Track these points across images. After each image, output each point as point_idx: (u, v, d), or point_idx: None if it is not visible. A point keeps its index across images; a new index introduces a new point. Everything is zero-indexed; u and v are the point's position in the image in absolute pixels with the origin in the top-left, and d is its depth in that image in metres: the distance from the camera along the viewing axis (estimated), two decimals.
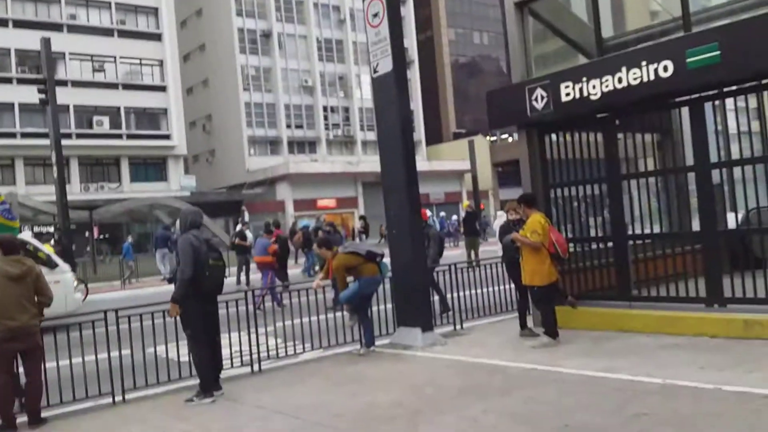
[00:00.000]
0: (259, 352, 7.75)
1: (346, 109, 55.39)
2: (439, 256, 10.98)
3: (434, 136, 62.38)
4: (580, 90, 8.23)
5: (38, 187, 37.67)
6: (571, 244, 8.64)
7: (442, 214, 42.18)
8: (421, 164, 50.06)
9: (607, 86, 7.96)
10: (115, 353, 6.96)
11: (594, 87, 8.09)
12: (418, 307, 8.38)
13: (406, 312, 8.47)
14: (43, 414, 6.23)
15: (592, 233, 9.20)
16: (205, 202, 37.18)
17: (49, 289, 6.28)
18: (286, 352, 8.22)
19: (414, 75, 58.48)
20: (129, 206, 36.77)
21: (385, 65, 8.80)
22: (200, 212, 7.08)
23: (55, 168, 21.17)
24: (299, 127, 52.92)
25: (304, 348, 8.29)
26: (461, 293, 9.55)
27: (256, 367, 7.68)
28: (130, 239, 25.45)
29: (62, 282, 13.02)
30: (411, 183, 8.69)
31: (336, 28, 54.82)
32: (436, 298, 10.05)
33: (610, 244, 8.72)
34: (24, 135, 38.65)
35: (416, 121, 58.46)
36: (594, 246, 9.00)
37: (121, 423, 6.13)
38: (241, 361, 7.73)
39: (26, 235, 14.03)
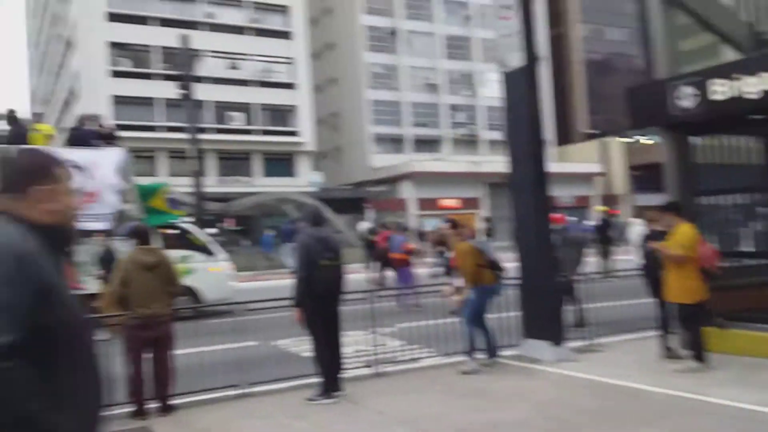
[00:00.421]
0: (378, 354, 7.63)
1: (471, 108, 54.74)
2: (579, 264, 10.35)
3: (564, 137, 60.23)
4: (735, 88, 7.41)
5: (178, 179, 39.97)
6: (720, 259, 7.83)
7: (572, 218, 40.50)
8: (550, 166, 48.62)
9: (766, 85, 7.10)
10: (242, 344, 7.05)
11: (751, 85, 7.24)
12: (547, 319, 7.91)
13: (535, 323, 8.01)
14: (172, 402, 6.39)
15: (744, 247, 8.31)
16: (330, 198, 37.99)
17: (179, 279, 6.45)
18: (407, 356, 8.05)
19: (544, 73, 56.86)
20: (259, 200, 38.22)
21: (516, 60, 8.40)
22: (321, 210, 7.03)
23: (194, 161, 22.29)
24: (423, 125, 52.93)
25: (428, 353, 8.07)
26: (595, 305, 8.96)
27: (378, 369, 7.55)
28: (269, 231, 26.00)
29: (221, 269, 13.77)
30: (539, 184, 8.23)
31: (462, 25, 54.29)
32: (571, 308, 9.48)
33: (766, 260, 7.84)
34: (167, 128, 41.17)
35: (545, 121, 56.75)
36: (746, 262, 8.13)
37: (243, 416, 6.18)
38: (363, 362, 7.65)
39: (186, 223, 14.51)
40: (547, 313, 7.89)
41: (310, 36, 49.98)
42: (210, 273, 13.49)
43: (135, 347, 6.09)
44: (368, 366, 7.58)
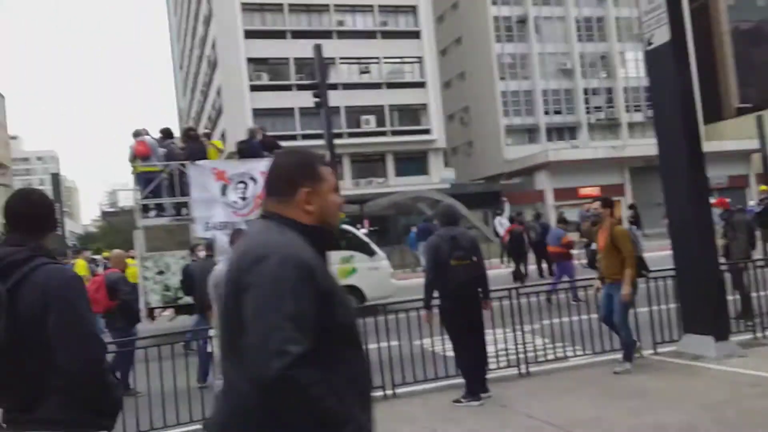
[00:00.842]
0: (525, 353, 7.36)
1: (609, 91, 52.25)
2: (752, 249, 9.50)
3: (713, 113, 55.84)
4: None
5: None
6: None
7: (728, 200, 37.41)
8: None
9: None
10: (386, 344, 7.04)
11: None
12: (710, 311, 7.27)
13: (695, 317, 7.39)
14: None
15: None
16: (463, 194, 37.69)
17: None
18: (555, 354, 7.71)
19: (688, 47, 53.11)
20: (394, 199, 38.67)
21: (662, 35, 7.79)
22: (453, 207, 6.90)
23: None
24: (558, 113, 51.22)
25: (575, 351, 7.70)
26: (761, 293, 8.15)
27: (524, 368, 7.30)
28: (414, 229, 26.07)
29: (380, 269, 14.17)
30: (695, 167, 7.59)
31: (597, 5, 51.96)
32: (737, 297, 8.69)
33: None
34: (304, 137, 42.74)
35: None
36: None
37: (392, 419, 6.13)
38: (508, 361, 7.41)
39: (347, 225, 15.20)
40: (710, 305, 7.25)
41: (437, 33, 49.94)
42: (372, 272, 13.98)
43: None
44: (513, 366, 7.34)
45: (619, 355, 7.39)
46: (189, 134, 14.04)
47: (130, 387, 7.81)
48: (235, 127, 42.59)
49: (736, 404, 5.51)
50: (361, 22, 46.40)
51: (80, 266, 13.09)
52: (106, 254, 16.77)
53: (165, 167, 12.80)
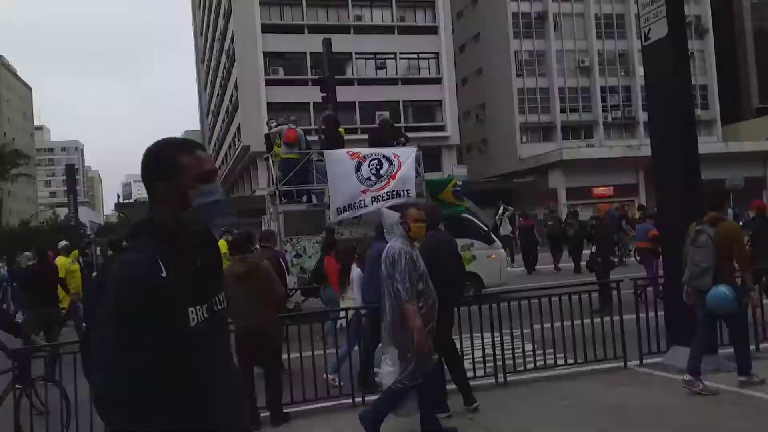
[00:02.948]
0: (504, 360, 7.00)
1: (627, 89, 51.39)
2: None
3: (732, 114, 54.72)
4: None
5: None
6: None
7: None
8: (715, 146, 44.27)
9: None
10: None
11: None
12: (697, 323, 6.87)
13: (682, 328, 6.99)
14: (286, 411, 6.23)
15: None
16: (476, 192, 37.25)
17: (280, 288, 6.16)
18: (535, 363, 7.31)
19: (708, 46, 52.10)
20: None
21: (659, 30, 7.41)
22: (437, 208, 6.49)
23: None
24: (574, 110, 50.50)
25: (565, 360, 7.29)
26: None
27: (501, 377, 6.94)
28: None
29: (498, 257, 14.47)
30: (689, 169, 7.20)
31: (617, 2, 51.12)
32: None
33: None
34: (317, 131, 42.50)
35: (710, 98, 52.11)
36: None
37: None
38: (485, 370, 7.05)
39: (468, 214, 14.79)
40: (696, 316, 6.85)
41: (455, 29, 49.44)
42: (490, 260, 14.22)
43: (240, 357, 5.99)
44: (490, 375, 6.99)
45: (606, 365, 7.07)
46: (329, 121, 14.28)
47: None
48: (250, 121, 42.59)
49: (715, 425, 5.15)
50: (379, 17, 46.06)
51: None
52: None
53: (305, 154, 13.18)
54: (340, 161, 12.61)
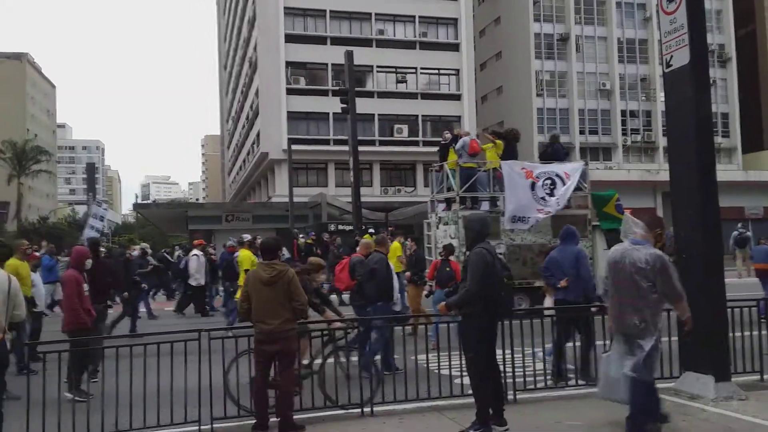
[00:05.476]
0: (514, 378, 7.05)
1: (648, 113, 51.33)
2: None
3: (753, 143, 54.40)
4: None
5: (345, 189, 41.48)
6: None
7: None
8: (735, 174, 44.08)
9: None
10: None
11: None
12: (710, 349, 6.90)
13: (696, 354, 7.02)
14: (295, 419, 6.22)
15: None
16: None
17: (303, 294, 6.23)
18: (546, 383, 7.37)
19: (731, 74, 51.97)
20: (421, 209, 38.44)
21: (681, 58, 7.48)
22: (489, 220, 6.52)
23: (351, 172, 22.88)
24: (593, 132, 50.48)
25: (576, 380, 7.36)
26: (763, 332, 7.74)
27: (511, 395, 6.98)
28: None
29: None
30: (708, 199, 7.24)
31: (640, 27, 51.21)
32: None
33: None
34: (335, 141, 42.81)
35: (731, 126, 51.91)
36: None
37: None
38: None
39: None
40: (712, 342, 6.88)
41: (477, 46, 49.62)
42: None
43: (259, 360, 6.09)
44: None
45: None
46: (510, 134, 15.13)
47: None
48: (270, 129, 42.97)
49: None
50: (401, 32, 46.36)
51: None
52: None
53: (483, 164, 14.21)
54: (516, 175, 13.54)
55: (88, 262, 8.38)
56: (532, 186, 13.45)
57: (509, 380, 6.99)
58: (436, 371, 7.18)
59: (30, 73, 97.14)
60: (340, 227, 32.11)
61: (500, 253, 13.19)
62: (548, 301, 9.19)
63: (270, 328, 5.92)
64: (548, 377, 7.49)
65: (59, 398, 6.13)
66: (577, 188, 14.17)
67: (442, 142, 15.72)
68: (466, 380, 6.29)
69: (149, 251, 21.13)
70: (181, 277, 18.98)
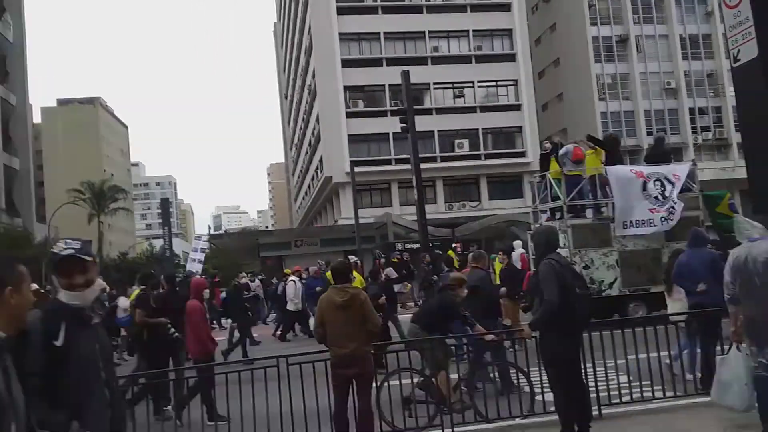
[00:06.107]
0: (597, 392, 6.84)
1: (718, 110, 49.55)
2: None
3: None
4: None
5: (410, 208, 41.59)
6: None
7: None
8: None
9: None
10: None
11: None
12: None
13: None
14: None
15: None
16: None
17: (376, 317, 6.25)
18: (631, 396, 7.14)
19: None
20: (487, 223, 38.16)
21: (749, 52, 7.20)
22: (556, 231, 6.42)
23: (415, 190, 22.92)
24: (662, 133, 49.06)
25: (663, 392, 7.10)
26: None
27: (596, 410, 6.78)
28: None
29: None
30: None
31: (702, 22, 49.70)
32: None
33: None
34: (397, 161, 43.06)
35: None
36: None
37: None
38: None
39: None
40: None
41: (534, 55, 49.17)
42: None
43: (336, 385, 6.14)
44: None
45: (705, 398, 6.79)
46: (609, 140, 15.22)
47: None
48: (332, 153, 43.63)
49: None
50: (456, 47, 46.42)
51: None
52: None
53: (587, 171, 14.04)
54: (624, 178, 13.19)
55: (206, 292, 8.83)
56: (644, 186, 13.00)
57: (593, 395, 6.82)
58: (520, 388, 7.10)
59: (103, 115, 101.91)
60: (407, 246, 32.18)
61: (611, 261, 13.07)
62: (673, 307, 8.84)
63: (346, 351, 5.97)
64: (698, 383, 7.19)
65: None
66: (686, 189, 13.65)
67: (542, 152, 15.57)
68: (549, 396, 6.17)
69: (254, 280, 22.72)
70: (278, 303, 19.29)
